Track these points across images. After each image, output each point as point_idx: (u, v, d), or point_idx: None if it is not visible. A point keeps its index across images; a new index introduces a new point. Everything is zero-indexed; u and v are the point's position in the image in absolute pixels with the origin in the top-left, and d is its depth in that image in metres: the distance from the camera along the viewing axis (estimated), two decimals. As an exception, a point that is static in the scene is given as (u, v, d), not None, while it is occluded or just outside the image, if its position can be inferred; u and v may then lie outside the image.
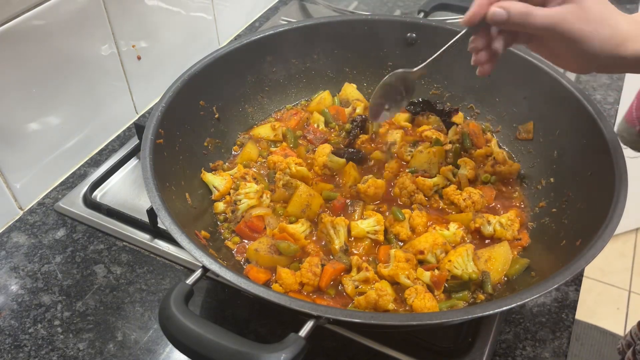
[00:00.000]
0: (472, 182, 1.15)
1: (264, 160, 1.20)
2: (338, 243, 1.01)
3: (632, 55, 0.80)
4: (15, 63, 1.09)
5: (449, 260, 0.97)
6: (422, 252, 0.98)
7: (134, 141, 1.36)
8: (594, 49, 0.79)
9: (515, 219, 1.05)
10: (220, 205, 1.09)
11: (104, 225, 1.16)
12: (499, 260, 0.98)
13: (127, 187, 1.25)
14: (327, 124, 1.29)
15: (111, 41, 1.30)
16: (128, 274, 1.08)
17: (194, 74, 1.12)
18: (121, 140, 1.39)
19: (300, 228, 1.03)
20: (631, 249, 2.89)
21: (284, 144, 1.24)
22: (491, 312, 0.74)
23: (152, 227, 1.12)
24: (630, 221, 2.90)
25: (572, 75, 1.54)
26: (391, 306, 0.90)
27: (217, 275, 0.79)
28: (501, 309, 0.74)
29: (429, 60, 1.01)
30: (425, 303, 0.90)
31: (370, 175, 1.12)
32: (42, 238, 1.15)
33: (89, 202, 1.20)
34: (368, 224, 1.04)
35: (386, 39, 1.33)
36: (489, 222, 1.04)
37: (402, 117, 1.30)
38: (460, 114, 1.30)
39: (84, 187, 1.23)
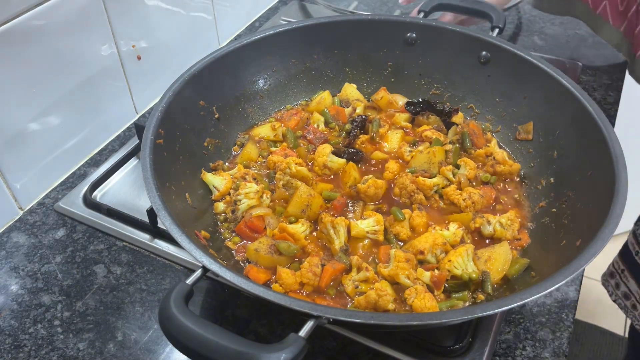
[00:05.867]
0: (472, 182, 1.15)
1: (264, 160, 1.20)
2: (338, 243, 1.01)
3: None
4: (15, 63, 1.09)
5: (449, 260, 0.97)
6: (422, 252, 0.98)
7: (134, 141, 1.36)
8: None
9: (515, 219, 1.05)
10: (220, 205, 1.09)
11: (104, 225, 1.16)
12: (499, 260, 0.98)
13: (127, 187, 1.25)
14: (327, 124, 1.29)
15: (111, 41, 1.30)
16: (128, 274, 1.08)
17: (194, 74, 1.12)
18: (121, 140, 1.39)
19: (300, 228, 1.03)
20: (631, 249, 2.89)
21: (284, 144, 1.24)
22: (491, 312, 0.74)
23: (152, 227, 1.12)
24: (630, 221, 2.89)
25: (572, 75, 1.55)
26: (391, 306, 0.90)
27: (217, 275, 0.79)
28: (501, 309, 0.74)
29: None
30: (425, 303, 0.90)
31: (370, 175, 1.12)
32: (42, 238, 1.15)
33: (89, 202, 1.20)
34: (368, 224, 1.04)
35: (386, 39, 1.33)
36: (489, 222, 1.04)
37: (402, 117, 1.30)
38: (460, 114, 1.30)
39: (84, 187, 1.23)
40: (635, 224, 1.59)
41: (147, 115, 1.42)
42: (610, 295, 1.65)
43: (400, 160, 1.21)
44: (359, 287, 0.95)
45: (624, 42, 1.51)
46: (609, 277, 1.65)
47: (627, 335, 1.65)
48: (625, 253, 1.58)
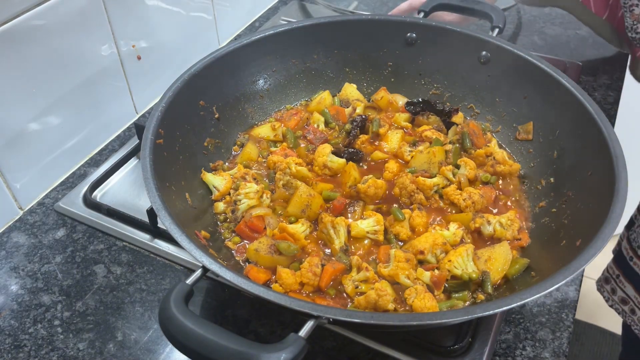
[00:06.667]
0: (472, 182, 1.15)
1: (264, 160, 1.20)
2: (338, 243, 1.01)
3: None
4: (15, 63, 1.09)
5: (449, 260, 0.97)
6: (422, 252, 0.98)
7: (134, 141, 1.36)
8: None
9: (515, 219, 1.05)
10: (220, 205, 1.09)
11: (104, 225, 1.16)
12: (499, 260, 0.98)
13: (127, 187, 1.25)
14: (327, 124, 1.29)
15: (111, 41, 1.30)
16: (128, 274, 1.08)
17: (194, 74, 1.12)
18: (121, 140, 1.39)
19: (300, 228, 1.03)
20: (631, 249, 2.89)
21: (284, 144, 1.24)
22: (491, 312, 0.74)
23: (152, 227, 1.12)
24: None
25: (572, 75, 1.55)
26: (391, 306, 0.90)
27: (217, 275, 0.79)
28: (501, 309, 0.74)
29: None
30: (425, 303, 0.90)
31: (370, 175, 1.12)
32: (42, 238, 1.15)
33: (89, 202, 1.20)
34: (368, 224, 1.04)
35: (386, 39, 1.33)
36: (488, 222, 1.04)
37: (402, 117, 1.30)
38: (460, 114, 1.30)
39: (84, 187, 1.23)
40: (626, 227, 1.59)
41: (147, 115, 1.42)
42: (607, 301, 1.64)
43: (400, 160, 1.21)
44: (359, 287, 0.95)
45: (607, 29, 1.52)
46: (604, 283, 1.65)
47: (603, 272, 1.67)
48: (619, 258, 1.58)
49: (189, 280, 0.77)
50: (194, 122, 1.15)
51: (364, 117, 1.26)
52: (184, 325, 0.69)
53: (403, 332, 0.95)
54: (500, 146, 1.25)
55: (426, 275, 0.95)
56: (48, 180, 1.26)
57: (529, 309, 1.01)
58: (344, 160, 1.17)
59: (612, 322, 2.53)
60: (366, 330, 0.97)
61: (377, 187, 1.09)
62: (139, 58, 1.39)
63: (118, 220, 1.16)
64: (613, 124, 1.43)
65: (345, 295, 0.96)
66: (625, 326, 1.79)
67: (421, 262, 0.99)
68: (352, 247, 1.03)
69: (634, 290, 1.52)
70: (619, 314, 1.60)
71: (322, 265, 0.97)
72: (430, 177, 1.14)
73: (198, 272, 0.79)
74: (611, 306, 1.62)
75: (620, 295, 1.57)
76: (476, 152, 1.19)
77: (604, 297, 1.65)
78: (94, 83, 1.29)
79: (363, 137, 1.23)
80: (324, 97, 1.33)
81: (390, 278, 0.95)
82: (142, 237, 1.13)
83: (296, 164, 1.14)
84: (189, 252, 0.80)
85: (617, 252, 1.59)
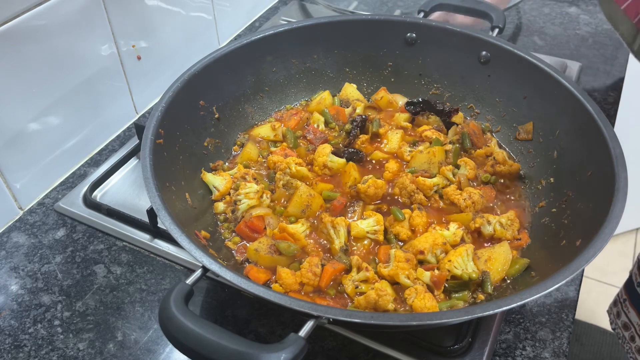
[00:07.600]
0: (472, 182, 1.15)
1: (264, 160, 1.20)
2: (338, 243, 1.01)
3: None
4: (15, 63, 1.09)
5: (449, 260, 0.97)
6: (422, 252, 0.98)
7: (134, 141, 1.36)
8: None
9: (515, 219, 1.05)
10: (220, 205, 1.09)
11: (104, 225, 1.16)
12: (499, 260, 0.98)
13: (127, 187, 1.25)
14: (327, 124, 1.29)
15: (111, 41, 1.30)
16: (128, 274, 1.08)
17: (194, 74, 1.12)
18: (121, 140, 1.39)
19: (300, 228, 1.03)
20: (631, 249, 2.89)
21: (284, 144, 1.24)
22: (491, 312, 0.74)
23: (152, 227, 1.12)
24: (630, 221, 2.90)
25: (572, 75, 1.55)
26: (391, 306, 0.90)
27: (217, 275, 0.79)
28: (501, 309, 0.74)
29: None
30: (425, 303, 0.90)
31: (370, 175, 1.12)
32: (42, 238, 1.15)
33: (89, 202, 1.20)
34: (368, 224, 1.04)
35: (386, 39, 1.33)
36: (489, 222, 1.04)
37: (402, 117, 1.30)
38: (460, 114, 1.30)
39: (84, 187, 1.23)
40: None
41: (147, 115, 1.42)
42: (611, 324, 1.62)
43: (401, 160, 1.21)
44: (359, 287, 0.95)
45: (626, 23, 1.43)
46: (613, 306, 1.62)
47: (614, 298, 1.65)
48: (628, 283, 1.56)
49: (189, 280, 0.77)
50: (194, 122, 1.15)
51: (364, 117, 1.26)
52: (184, 325, 0.69)
53: (403, 332, 0.95)
54: (500, 146, 1.25)
55: (426, 275, 0.95)
56: (48, 180, 1.26)
57: (529, 309, 1.01)
58: (344, 160, 1.17)
59: (612, 322, 2.53)
60: (366, 330, 0.97)
61: (377, 187, 1.09)
62: (139, 58, 1.39)
63: (118, 220, 1.16)
64: (613, 124, 1.43)
65: (345, 295, 0.96)
66: None
67: (421, 262, 0.99)
68: (352, 247, 1.03)
69: (638, 316, 1.50)
70: (619, 339, 1.58)
71: (322, 265, 0.97)
72: (430, 177, 1.14)
73: (198, 272, 0.79)
74: (614, 329, 1.60)
75: (623, 320, 1.55)
76: (476, 152, 1.19)
77: (609, 320, 1.63)
78: (93, 83, 1.29)
79: (363, 137, 1.23)
80: (324, 97, 1.33)
81: (390, 278, 0.95)
82: (142, 237, 1.13)
83: (296, 164, 1.14)
84: (189, 252, 0.80)
85: (629, 276, 1.57)
